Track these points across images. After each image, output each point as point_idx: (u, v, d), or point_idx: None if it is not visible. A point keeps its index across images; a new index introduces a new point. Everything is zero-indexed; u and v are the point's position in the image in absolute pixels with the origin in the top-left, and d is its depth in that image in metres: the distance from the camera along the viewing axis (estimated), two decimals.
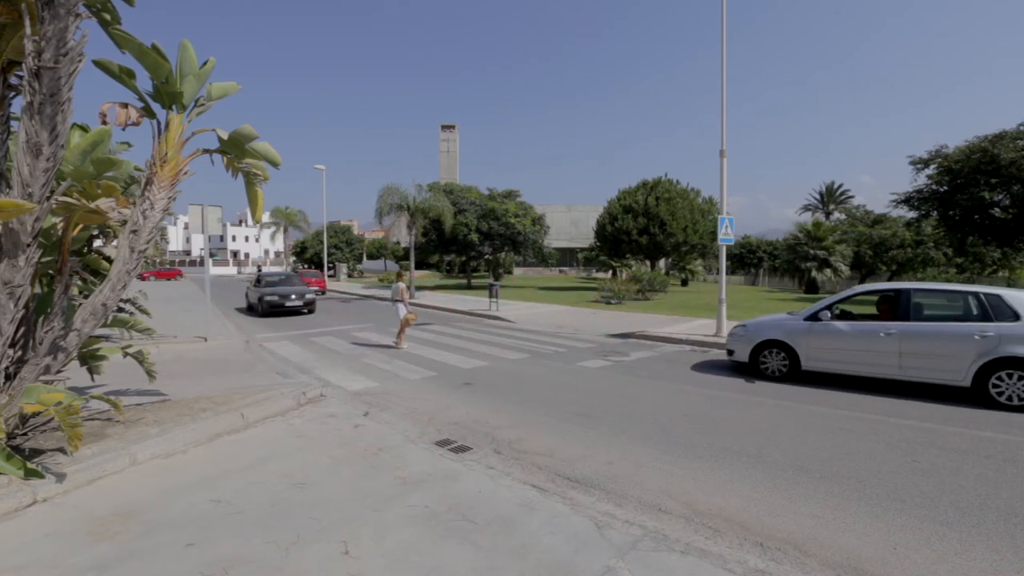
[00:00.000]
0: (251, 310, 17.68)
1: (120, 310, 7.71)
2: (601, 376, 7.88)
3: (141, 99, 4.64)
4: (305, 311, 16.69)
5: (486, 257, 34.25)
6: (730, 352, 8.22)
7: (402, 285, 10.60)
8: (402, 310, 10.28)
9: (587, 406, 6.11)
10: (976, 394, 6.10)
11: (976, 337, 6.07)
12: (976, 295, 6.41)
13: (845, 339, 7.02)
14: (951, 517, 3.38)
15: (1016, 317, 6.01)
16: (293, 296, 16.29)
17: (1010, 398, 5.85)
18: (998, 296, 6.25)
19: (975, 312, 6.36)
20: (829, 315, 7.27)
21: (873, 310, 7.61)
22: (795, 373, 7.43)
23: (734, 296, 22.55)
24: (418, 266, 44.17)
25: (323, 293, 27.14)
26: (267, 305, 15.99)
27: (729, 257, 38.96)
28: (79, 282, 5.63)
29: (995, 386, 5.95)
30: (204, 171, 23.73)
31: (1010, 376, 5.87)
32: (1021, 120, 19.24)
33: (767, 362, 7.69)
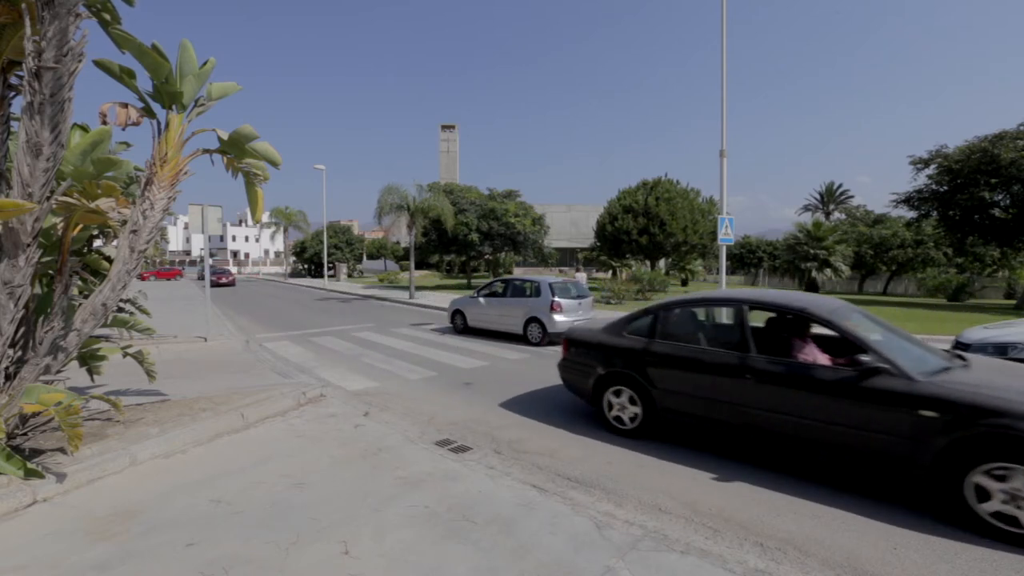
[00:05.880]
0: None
1: (120, 310, 7.71)
2: None
3: (141, 99, 4.63)
4: None
5: (486, 257, 34.22)
6: (451, 318, 12.66)
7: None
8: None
9: (587, 406, 6.10)
10: (523, 337, 10.80)
11: (523, 306, 10.82)
12: (531, 281, 11.15)
13: (483, 307, 11.78)
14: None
15: (539, 294, 10.66)
16: None
17: (532, 337, 10.58)
18: (537, 282, 10.96)
19: (529, 292, 11.05)
20: (477, 294, 12.10)
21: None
22: (467, 329, 12.11)
23: None
24: (418, 266, 44.11)
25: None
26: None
27: (729, 257, 38.96)
28: (79, 282, 5.63)
29: (528, 331, 10.69)
30: (204, 171, 23.66)
31: (533, 324, 10.58)
32: (1021, 120, 19.26)
33: (455, 323, 12.42)
